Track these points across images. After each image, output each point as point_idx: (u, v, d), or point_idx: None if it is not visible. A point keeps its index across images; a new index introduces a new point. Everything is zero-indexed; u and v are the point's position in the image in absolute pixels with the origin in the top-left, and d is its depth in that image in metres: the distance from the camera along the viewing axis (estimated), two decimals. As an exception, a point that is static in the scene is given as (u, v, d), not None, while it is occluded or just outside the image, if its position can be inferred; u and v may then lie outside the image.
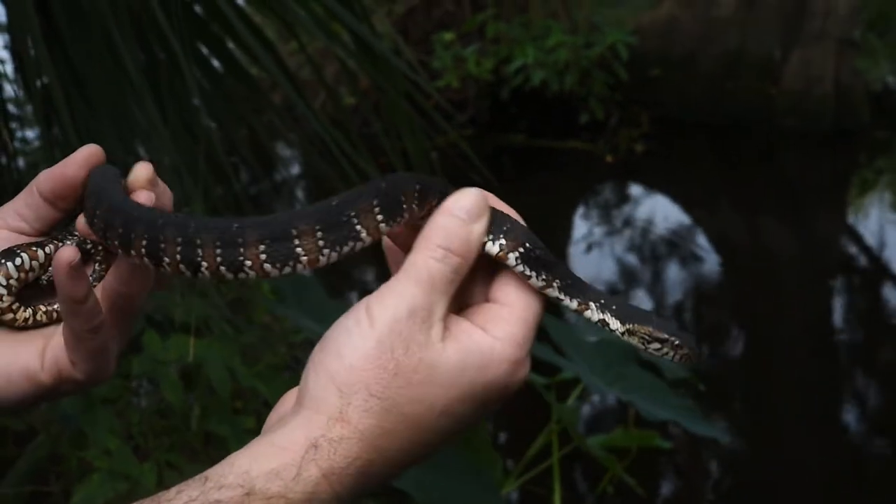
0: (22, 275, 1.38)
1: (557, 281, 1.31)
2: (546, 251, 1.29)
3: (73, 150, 3.00)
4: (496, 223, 1.29)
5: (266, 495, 1.14)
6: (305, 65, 5.04)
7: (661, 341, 1.30)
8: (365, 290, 8.83)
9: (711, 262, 9.25)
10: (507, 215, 1.31)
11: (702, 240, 9.70)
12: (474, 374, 1.24)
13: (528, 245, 1.28)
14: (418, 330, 1.20)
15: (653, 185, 11.43)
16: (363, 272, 9.60)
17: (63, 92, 2.96)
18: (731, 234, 10.00)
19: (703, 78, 12.59)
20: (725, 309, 8.55)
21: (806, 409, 6.73)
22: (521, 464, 5.03)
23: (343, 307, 1.44)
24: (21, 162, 6.38)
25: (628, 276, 8.73)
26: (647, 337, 1.30)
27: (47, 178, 1.40)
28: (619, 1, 14.17)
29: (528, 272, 1.29)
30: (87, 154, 1.41)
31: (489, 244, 1.28)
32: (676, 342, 1.30)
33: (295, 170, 10.03)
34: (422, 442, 1.25)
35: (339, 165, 3.75)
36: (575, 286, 1.33)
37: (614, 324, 1.32)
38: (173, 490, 1.14)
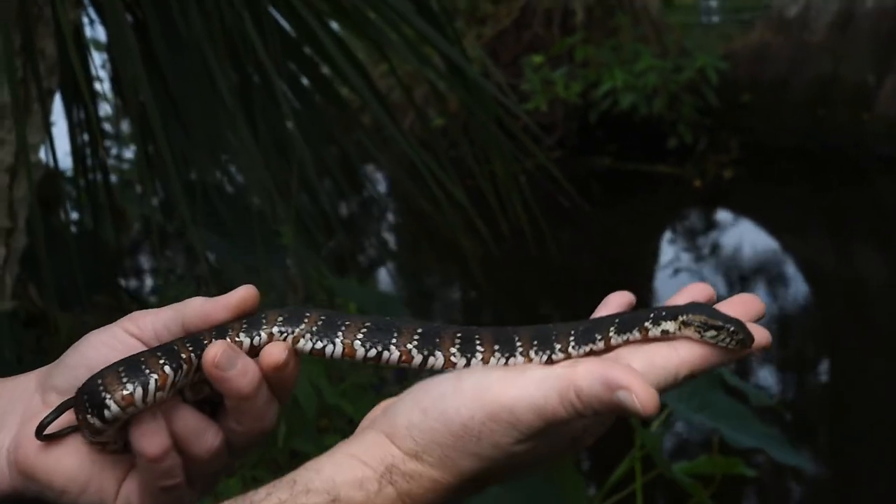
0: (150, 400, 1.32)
1: (614, 323, 1.35)
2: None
3: (167, 168, 3.06)
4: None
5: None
6: (396, 87, 5.08)
7: (717, 328, 1.30)
8: (448, 313, 8.84)
9: (800, 289, 9.15)
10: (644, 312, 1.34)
11: (790, 267, 9.61)
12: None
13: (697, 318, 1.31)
14: (508, 437, 1.22)
15: (741, 210, 11.34)
16: (449, 294, 9.63)
17: (159, 111, 3.02)
18: (821, 261, 9.89)
19: (794, 103, 12.46)
20: (813, 337, 8.45)
21: (893, 441, 6.63)
22: (604, 489, 5.01)
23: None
24: (114, 178, 6.51)
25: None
26: (703, 326, 1.30)
27: (198, 315, 1.39)
28: (709, 27, 14.10)
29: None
30: (240, 299, 1.40)
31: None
32: (731, 328, 1.30)
33: (382, 190, 10.08)
34: (489, 484, 1.32)
35: (427, 187, 3.78)
36: (624, 320, 1.36)
37: (669, 325, 1.32)
38: (262, 491, 1.19)
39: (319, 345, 1.38)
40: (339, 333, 1.38)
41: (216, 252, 4.23)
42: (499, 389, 1.22)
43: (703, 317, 1.30)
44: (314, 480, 1.21)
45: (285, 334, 1.37)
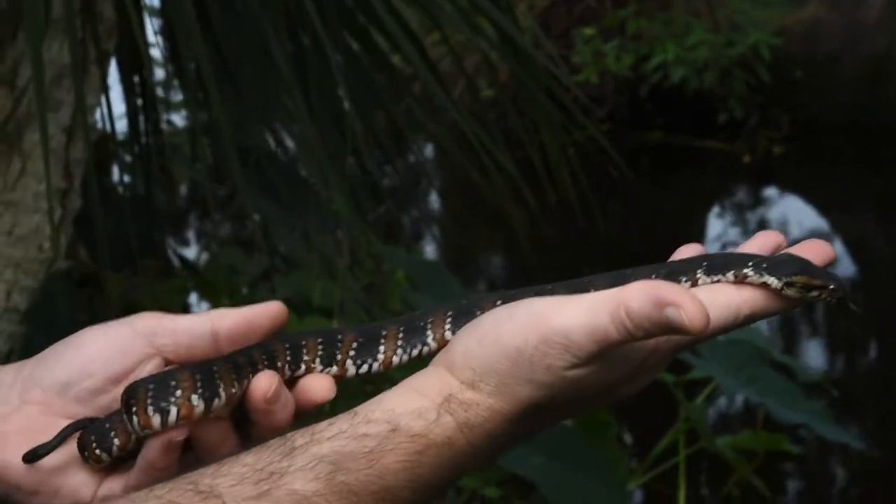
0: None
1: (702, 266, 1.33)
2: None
3: (221, 134, 3.09)
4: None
5: (410, 433, 1.20)
6: (446, 56, 5.08)
7: (819, 288, 1.29)
8: (495, 282, 8.85)
9: (847, 267, 9.09)
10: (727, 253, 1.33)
11: (838, 245, 9.54)
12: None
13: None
14: (562, 360, 1.21)
15: (790, 187, 11.28)
16: (495, 264, 9.64)
17: (213, 78, 3.04)
18: (870, 240, 9.82)
19: (847, 81, 12.35)
20: (861, 316, 8.40)
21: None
22: (647, 461, 5.02)
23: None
24: (167, 143, 6.56)
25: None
26: (805, 286, 1.29)
27: (237, 322, 1.37)
28: (763, 1, 13.97)
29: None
30: (279, 308, 1.39)
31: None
32: (832, 286, 1.29)
33: (430, 158, 10.09)
34: (551, 418, 1.31)
35: (476, 156, 3.78)
36: (715, 260, 1.33)
37: (771, 280, 1.29)
38: (325, 423, 1.20)
39: (364, 368, 1.37)
40: (380, 347, 1.37)
41: (265, 216, 4.26)
42: (551, 313, 1.21)
43: (805, 277, 1.29)
44: (375, 411, 1.21)
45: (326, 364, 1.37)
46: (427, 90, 4.01)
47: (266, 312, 1.39)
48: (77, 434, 1.30)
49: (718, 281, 1.31)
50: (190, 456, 1.30)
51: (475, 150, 3.74)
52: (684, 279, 1.33)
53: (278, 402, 1.29)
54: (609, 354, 1.22)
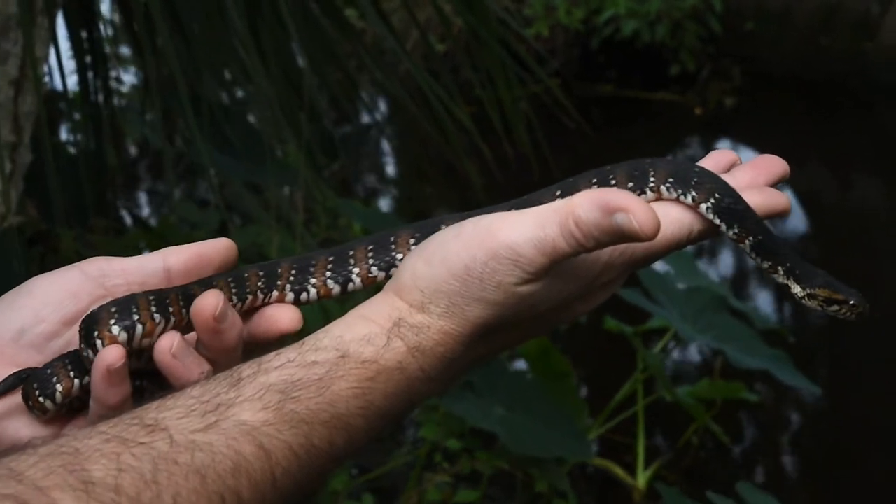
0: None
1: (751, 238, 1.33)
2: (739, 200, 1.30)
3: (174, 88, 3.03)
4: (683, 177, 1.29)
5: (360, 359, 1.18)
6: (399, 9, 5.04)
7: (840, 303, 1.33)
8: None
9: (800, 218, 9.14)
10: (696, 166, 1.32)
11: (791, 196, 9.58)
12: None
13: (718, 195, 1.29)
14: (511, 276, 1.19)
15: (742, 139, 11.30)
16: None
17: (165, 30, 2.99)
18: (822, 191, 9.86)
19: (797, 32, 12.36)
20: (814, 266, 8.45)
21: (894, 370, 6.65)
22: (606, 411, 5.04)
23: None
24: (116, 101, 6.48)
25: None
26: (826, 300, 1.33)
27: (191, 257, 1.38)
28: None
29: (720, 224, 1.30)
30: (229, 244, 1.40)
31: (681, 198, 1.29)
32: (852, 302, 1.33)
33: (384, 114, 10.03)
34: (506, 340, 1.30)
35: (431, 110, 3.76)
36: (766, 244, 1.34)
37: (796, 288, 1.35)
38: (272, 354, 1.18)
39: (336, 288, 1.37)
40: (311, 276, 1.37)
41: (221, 170, 4.21)
42: (499, 228, 1.19)
43: (828, 291, 1.33)
44: (323, 339, 1.19)
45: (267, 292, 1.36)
46: (380, 43, 3.98)
47: (216, 247, 1.40)
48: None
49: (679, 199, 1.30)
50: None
51: (430, 103, 3.72)
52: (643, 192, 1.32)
53: (225, 320, 1.26)
54: (560, 268, 1.21)
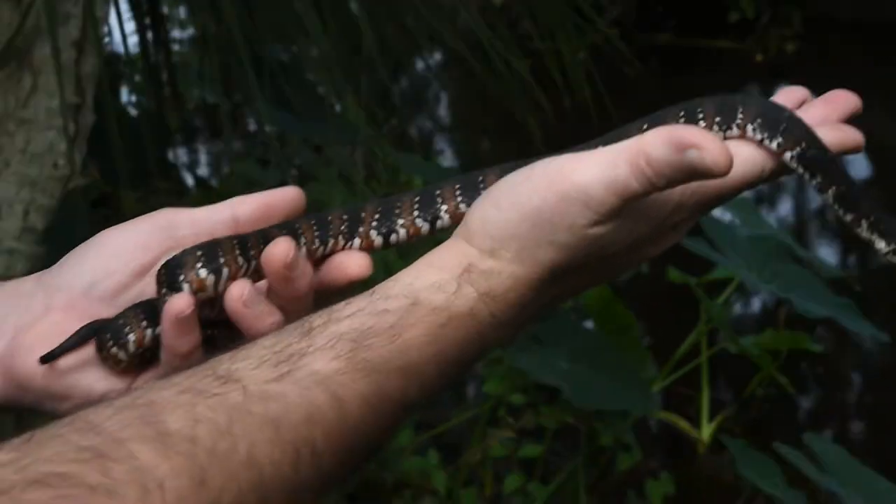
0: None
1: (834, 188, 1.30)
2: (825, 152, 1.27)
3: (231, 47, 3.03)
4: (772, 121, 1.25)
5: (431, 306, 1.16)
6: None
7: None
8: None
9: (862, 165, 9.03)
10: (786, 110, 1.27)
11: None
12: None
13: (805, 145, 1.25)
14: (582, 217, 1.16)
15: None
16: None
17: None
18: (884, 136, 9.73)
19: (858, -25, 12.19)
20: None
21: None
22: (670, 363, 5.02)
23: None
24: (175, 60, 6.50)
25: (776, 180, 8.55)
26: None
27: (258, 206, 1.37)
28: None
29: (804, 174, 1.28)
30: (297, 192, 1.39)
31: (766, 142, 1.26)
32: None
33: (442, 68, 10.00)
34: (576, 284, 1.27)
35: (489, 62, 3.73)
36: (849, 196, 1.30)
37: (880, 243, 1.31)
38: (342, 303, 1.17)
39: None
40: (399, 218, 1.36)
41: (280, 126, 4.21)
42: (569, 169, 1.16)
43: None
44: (393, 287, 1.18)
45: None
46: (437, -1, 3.96)
47: (284, 196, 1.38)
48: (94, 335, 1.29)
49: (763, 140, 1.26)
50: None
51: (488, 55, 3.70)
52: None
53: (297, 268, 1.25)
54: (631, 209, 1.18)
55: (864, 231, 1.31)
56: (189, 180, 6.51)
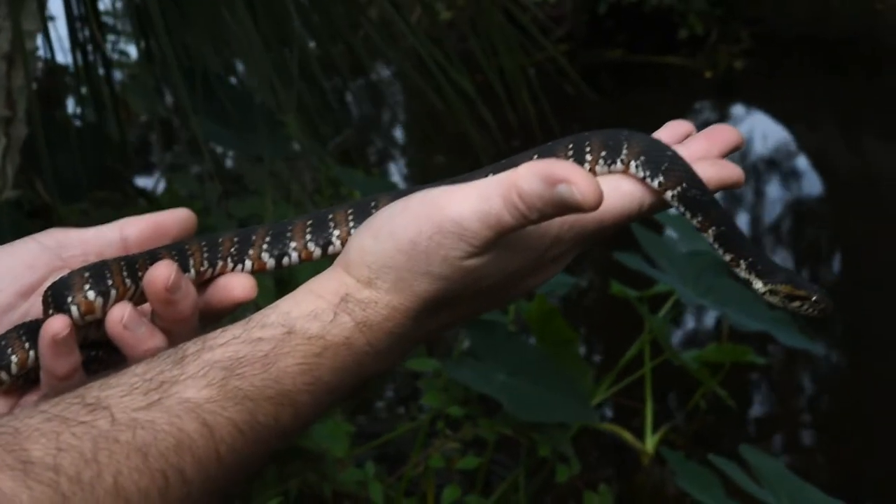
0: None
1: (714, 228, 1.32)
2: (705, 192, 1.29)
3: (169, 64, 3.03)
4: (655, 159, 1.28)
5: (306, 335, 1.18)
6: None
7: (802, 299, 1.34)
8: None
9: (812, 180, 9.11)
10: (669, 149, 1.29)
11: (802, 158, 9.55)
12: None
13: (685, 185, 1.28)
14: (457, 250, 1.18)
15: (752, 101, 11.24)
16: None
17: (159, 5, 2.99)
18: (833, 152, 9.83)
19: (806, -7, 12.30)
20: (826, 228, 8.44)
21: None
22: (612, 374, 5.04)
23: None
24: (119, 74, 6.49)
25: (727, 194, 8.62)
26: (788, 296, 1.33)
27: (149, 227, 1.38)
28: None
29: (685, 212, 1.31)
30: (187, 214, 1.40)
31: (648, 180, 1.28)
32: (814, 298, 1.34)
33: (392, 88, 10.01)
34: (455, 314, 1.28)
35: (436, 80, 3.75)
36: (728, 236, 1.33)
37: (757, 283, 1.34)
38: (218, 331, 1.18)
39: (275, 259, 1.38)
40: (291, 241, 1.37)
41: (220, 143, 4.21)
42: (444, 201, 1.17)
43: (790, 287, 1.33)
44: (269, 316, 1.19)
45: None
46: (383, 16, 3.97)
47: (174, 217, 1.39)
48: None
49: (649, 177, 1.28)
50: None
51: (433, 74, 3.72)
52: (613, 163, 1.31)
53: (178, 291, 1.25)
54: (506, 241, 1.20)
55: (742, 271, 1.35)
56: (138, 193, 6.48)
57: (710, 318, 6.52)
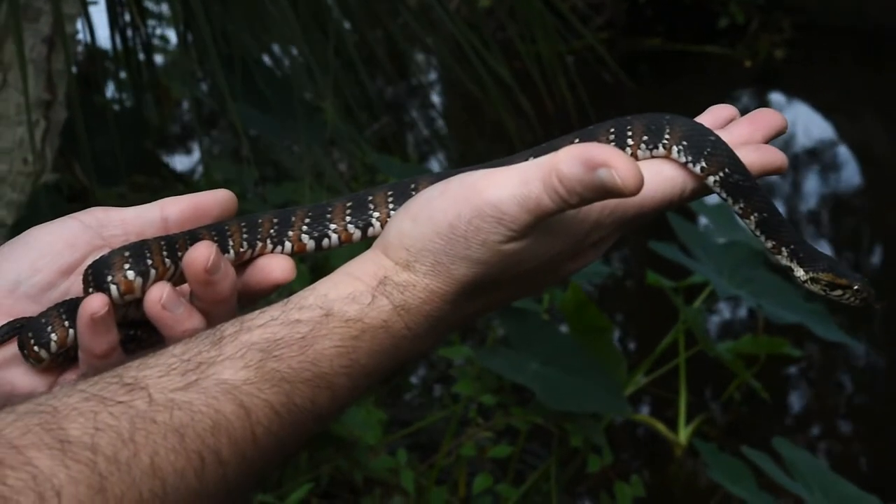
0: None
1: (756, 214, 1.31)
2: (748, 177, 1.28)
3: (208, 50, 3.04)
4: (697, 144, 1.27)
5: (344, 318, 1.18)
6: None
7: (844, 287, 1.32)
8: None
9: (852, 171, 9.04)
10: (711, 133, 1.28)
11: (842, 148, 9.48)
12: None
13: (728, 170, 1.27)
14: (496, 234, 1.17)
15: (792, 91, 11.17)
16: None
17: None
18: (873, 142, 9.75)
19: (849, -18, 12.19)
20: (865, 219, 8.37)
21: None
22: (646, 364, 5.03)
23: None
24: (159, 58, 6.52)
25: (766, 184, 8.55)
26: (830, 284, 1.31)
27: (189, 207, 1.37)
28: None
29: (726, 198, 1.29)
30: (227, 195, 1.40)
31: (690, 165, 1.27)
32: (856, 287, 1.32)
33: (431, 75, 10.01)
34: (493, 299, 1.28)
35: (474, 69, 3.75)
36: (770, 223, 1.32)
37: (799, 271, 1.33)
38: (256, 312, 1.18)
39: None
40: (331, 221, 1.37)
41: (259, 128, 4.22)
42: (483, 185, 1.17)
43: (831, 275, 1.31)
44: (308, 298, 1.19)
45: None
46: (423, 3, 3.98)
47: (215, 198, 1.39)
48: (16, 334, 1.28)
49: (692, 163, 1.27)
50: None
51: (471, 60, 3.72)
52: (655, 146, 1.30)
53: (218, 271, 1.25)
54: (546, 226, 1.19)
55: (783, 259, 1.33)
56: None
57: (746, 310, 6.49)
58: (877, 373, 6.31)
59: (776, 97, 11.23)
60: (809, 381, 6.12)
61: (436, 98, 10.05)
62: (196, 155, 7.85)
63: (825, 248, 7.63)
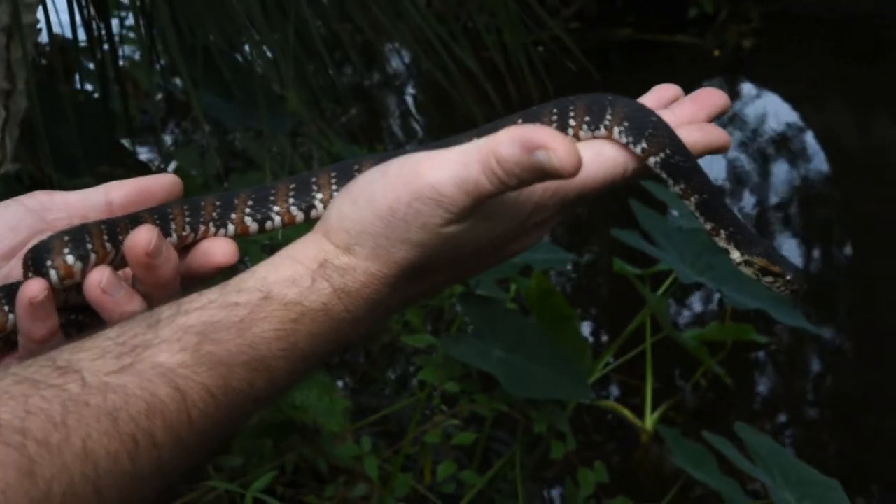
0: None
1: (696, 195, 1.32)
2: (689, 158, 1.29)
3: (171, 42, 3.03)
4: (638, 125, 1.27)
5: (283, 301, 1.18)
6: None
7: (776, 275, 1.33)
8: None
9: (820, 160, 9.07)
10: (653, 114, 1.28)
11: (810, 138, 9.51)
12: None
13: (669, 151, 1.27)
14: (435, 216, 1.18)
15: (761, 81, 11.17)
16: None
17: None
18: (842, 132, 9.78)
19: (817, -29, 12.21)
20: (833, 209, 8.41)
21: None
22: (610, 351, 5.05)
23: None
24: (128, 49, 6.50)
25: (735, 174, 8.60)
26: (762, 269, 1.33)
27: (134, 190, 1.38)
28: None
29: (668, 179, 1.30)
30: (173, 179, 1.40)
31: (631, 145, 1.27)
32: (788, 277, 1.33)
33: (400, 67, 10.00)
34: (435, 281, 1.29)
35: (442, 60, 3.76)
36: (711, 204, 1.34)
37: (735, 253, 1.34)
38: (194, 294, 1.18)
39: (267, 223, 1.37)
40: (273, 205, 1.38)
41: (223, 117, 4.21)
42: (423, 168, 1.16)
43: (766, 261, 1.32)
44: (247, 281, 1.19)
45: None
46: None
47: (160, 182, 1.40)
48: None
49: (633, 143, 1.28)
50: None
51: (438, 51, 3.72)
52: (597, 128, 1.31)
53: (159, 255, 1.25)
54: (486, 208, 1.19)
55: (721, 241, 1.35)
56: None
57: (714, 297, 6.52)
58: (843, 358, 6.36)
59: (746, 87, 11.25)
60: (777, 367, 6.16)
61: (409, 89, 10.06)
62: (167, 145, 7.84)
63: (794, 236, 7.67)
